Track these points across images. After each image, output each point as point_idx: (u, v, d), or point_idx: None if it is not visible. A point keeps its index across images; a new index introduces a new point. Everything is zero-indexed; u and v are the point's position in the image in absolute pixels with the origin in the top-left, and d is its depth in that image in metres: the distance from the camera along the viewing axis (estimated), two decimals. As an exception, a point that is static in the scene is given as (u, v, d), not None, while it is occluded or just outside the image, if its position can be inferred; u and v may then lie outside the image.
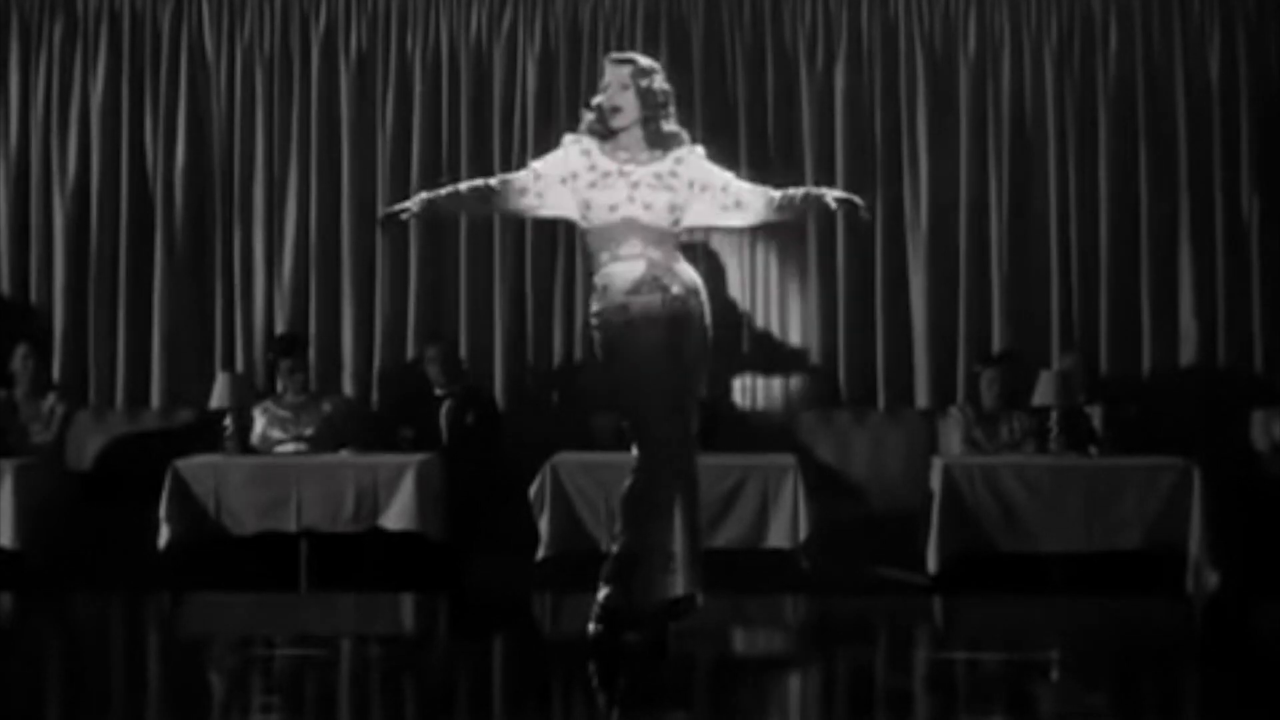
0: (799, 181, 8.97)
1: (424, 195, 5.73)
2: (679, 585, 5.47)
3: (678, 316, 5.45)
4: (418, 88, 9.24)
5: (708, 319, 5.56)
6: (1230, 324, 8.96)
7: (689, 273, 5.57)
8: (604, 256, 5.52)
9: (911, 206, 9.10)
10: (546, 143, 9.03)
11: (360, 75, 9.27)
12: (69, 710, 4.98)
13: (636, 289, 5.44)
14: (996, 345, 8.94)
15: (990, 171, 9.11)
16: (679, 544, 5.46)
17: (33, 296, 9.26)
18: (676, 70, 9.16)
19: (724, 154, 8.89)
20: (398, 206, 5.71)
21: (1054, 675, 5.48)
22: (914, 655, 6.16)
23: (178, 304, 9.23)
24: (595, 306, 5.53)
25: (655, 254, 5.48)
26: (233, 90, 9.30)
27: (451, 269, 9.19)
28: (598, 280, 5.53)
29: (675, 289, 5.47)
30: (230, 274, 9.26)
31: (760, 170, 9.03)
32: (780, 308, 9.14)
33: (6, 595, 7.46)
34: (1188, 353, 8.98)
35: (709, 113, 9.11)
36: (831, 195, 5.58)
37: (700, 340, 5.51)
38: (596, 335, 5.54)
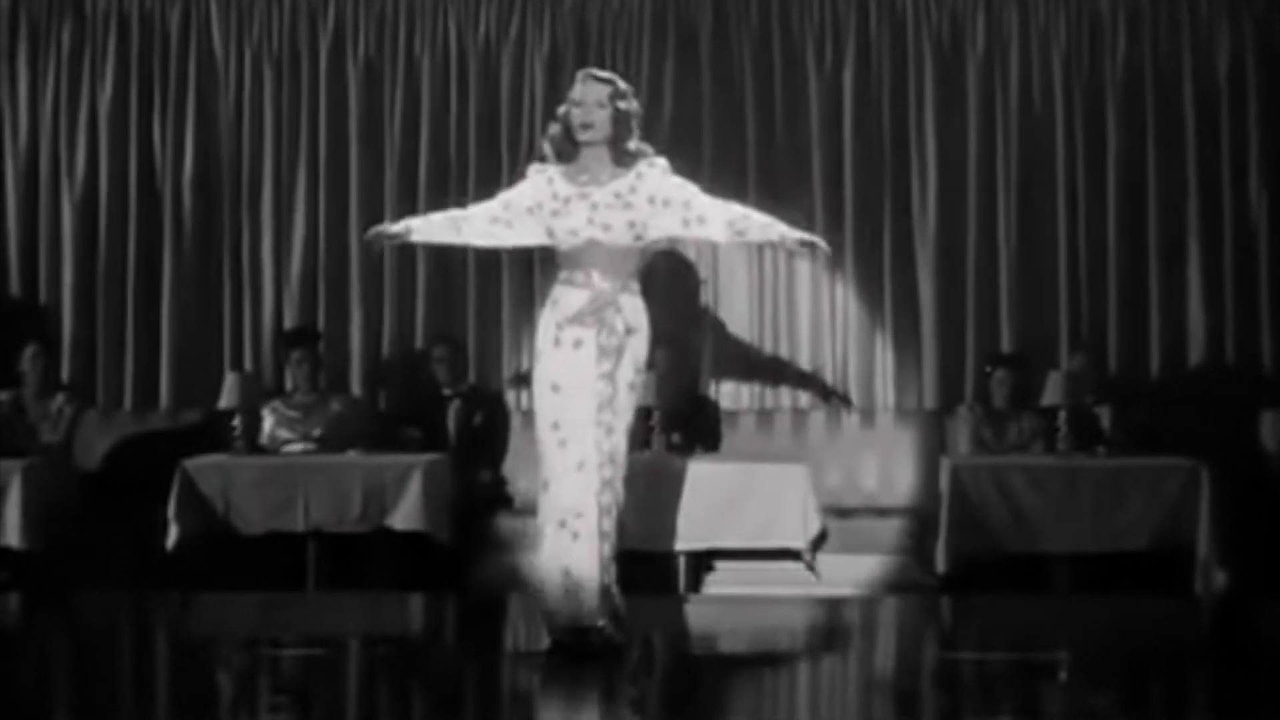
0: (806, 183, 9.03)
1: (407, 221, 5.84)
2: (594, 614, 5.45)
3: (607, 352, 5.47)
4: (426, 89, 9.25)
5: (642, 357, 5.57)
6: (1239, 324, 8.95)
7: (634, 308, 5.57)
8: (562, 274, 5.61)
9: (919, 207, 9.10)
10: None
11: (368, 77, 9.28)
12: (77, 710, 4.98)
13: (577, 318, 5.48)
14: (1005, 346, 8.93)
15: (998, 171, 9.10)
16: (589, 572, 5.43)
17: (41, 297, 9.28)
18: (684, 71, 9.19)
19: (732, 155, 9.00)
20: (383, 229, 5.78)
21: (1062, 676, 5.47)
22: (922, 655, 6.15)
23: (186, 304, 9.25)
24: (541, 318, 5.63)
25: (606, 284, 5.51)
26: (241, 92, 9.31)
27: (459, 269, 9.19)
28: (553, 291, 5.63)
29: (615, 324, 5.49)
30: (238, 274, 9.27)
31: (768, 171, 9.05)
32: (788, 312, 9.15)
33: (15, 595, 7.47)
34: (1196, 353, 8.97)
35: (717, 114, 9.12)
36: (795, 237, 5.59)
37: (629, 380, 5.51)
38: (535, 344, 5.64)
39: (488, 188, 8.99)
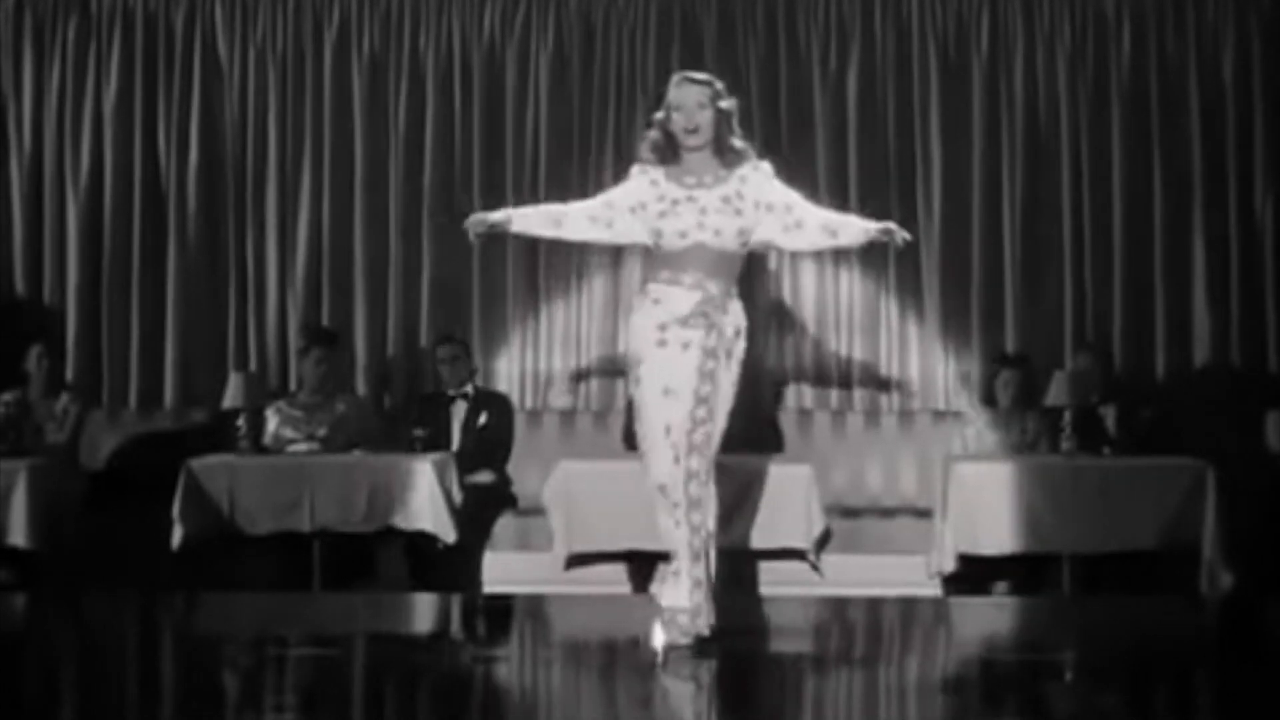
0: (813, 186, 9.01)
1: (507, 211, 5.81)
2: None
3: (714, 353, 5.51)
4: (430, 87, 9.26)
5: (742, 357, 5.63)
6: (1244, 324, 8.96)
7: (739, 311, 5.64)
8: (665, 274, 5.59)
9: (924, 207, 9.11)
10: (559, 142, 9.11)
11: (373, 75, 9.29)
12: (83, 710, 4.99)
13: (686, 319, 5.50)
14: (1010, 346, 8.94)
15: (1003, 172, 9.11)
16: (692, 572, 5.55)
17: (46, 296, 9.29)
18: (689, 70, 9.18)
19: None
20: (485, 216, 5.73)
21: (1068, 676, 5.47)
22: (927, 656, 6.15)
23: (191, 304, 9.26)
24: (638, 318, 5.60)
25: (714, 286, 5.54)
26: (245, 90, 9.32)
27: (464, 268, 9.19)
28: (652, 290, 5.60)
29: (725, 328, 5.55)
30: (243, 274, 9.28)
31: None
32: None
33: (20, 595, 7.47)
34: (1202, 353, 8.97)
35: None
36: (875, 228, 5.69)
37: (733, 381, 5.59)
38: (630, 345, 5.64)
39: (492, 186, 9.06)
